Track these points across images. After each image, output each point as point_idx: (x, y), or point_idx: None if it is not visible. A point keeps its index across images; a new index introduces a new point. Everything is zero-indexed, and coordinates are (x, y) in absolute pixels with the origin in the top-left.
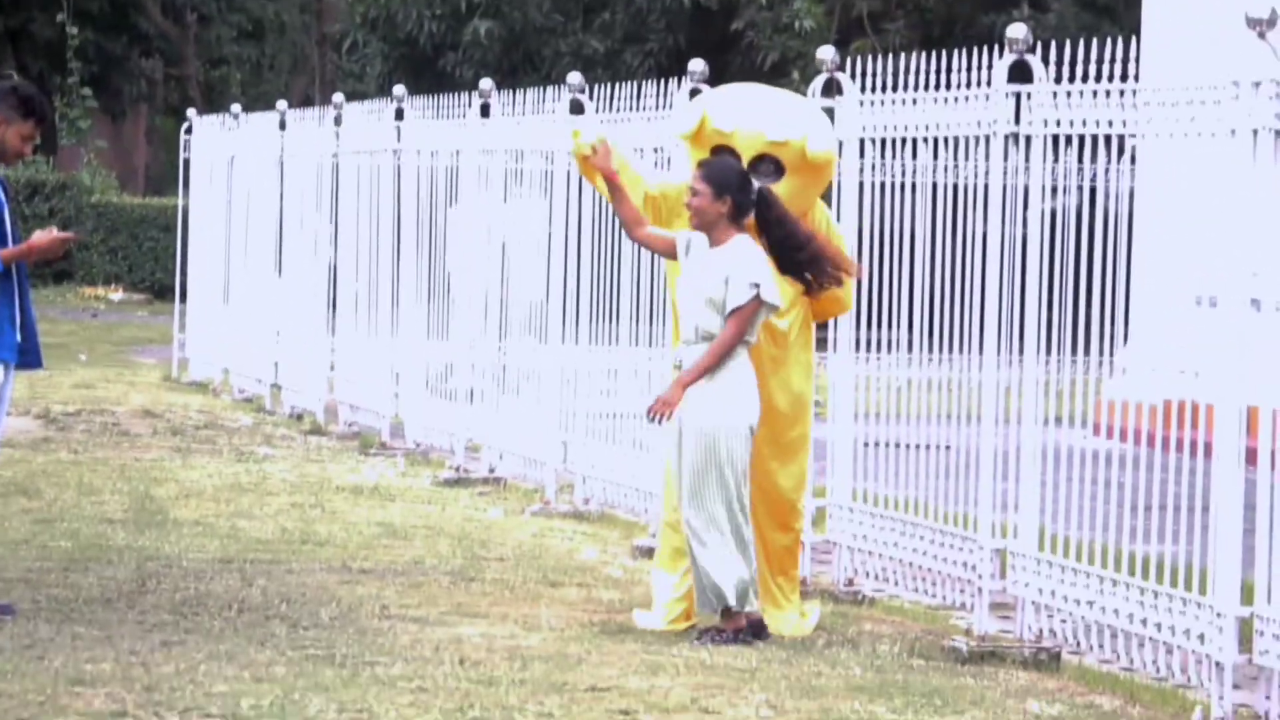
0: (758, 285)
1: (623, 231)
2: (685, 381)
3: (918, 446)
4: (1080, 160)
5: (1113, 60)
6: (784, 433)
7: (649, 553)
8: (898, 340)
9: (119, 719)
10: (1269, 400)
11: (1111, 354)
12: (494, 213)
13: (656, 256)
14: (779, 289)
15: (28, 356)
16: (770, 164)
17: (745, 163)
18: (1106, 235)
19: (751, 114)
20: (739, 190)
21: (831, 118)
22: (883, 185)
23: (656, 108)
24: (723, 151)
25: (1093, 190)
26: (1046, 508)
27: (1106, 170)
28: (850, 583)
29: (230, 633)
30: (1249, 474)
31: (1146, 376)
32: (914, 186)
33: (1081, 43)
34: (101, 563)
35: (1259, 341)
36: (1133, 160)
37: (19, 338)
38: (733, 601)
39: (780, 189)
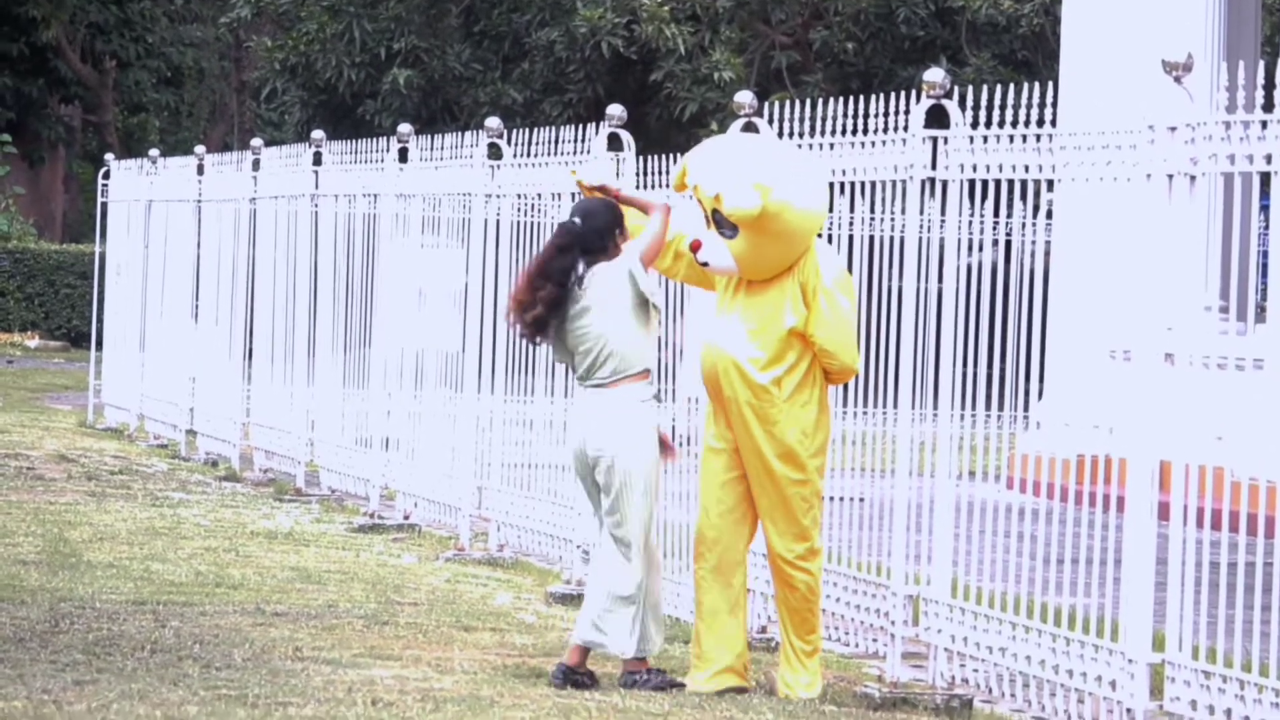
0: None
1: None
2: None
3: (831, 498)
4: (996, 212)
5: (1029, 106)
6: (776, 490)
7: (563, 599)
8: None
9: None
10: (1181, 454)
11: (1026, 409)
12: (411, 260)
13: None
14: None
15: None
16: (727, 220)
17: (709, 219)
18: (1022, 289)
19: (703, 170)
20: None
21: None
22: None
23: (574, 153)
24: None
25: (1008, 243)
26: (960, 559)
27: (1022, 223)
28: (763, 630)
29: (143, 673)
30: (1161, 528)
31: (1060, 431)
32: (831, 238)
33: (999, 89)
34: (14, 603)
35: (1172, 396)
36: (1048, 215)
37: None
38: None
39: (736, 247)
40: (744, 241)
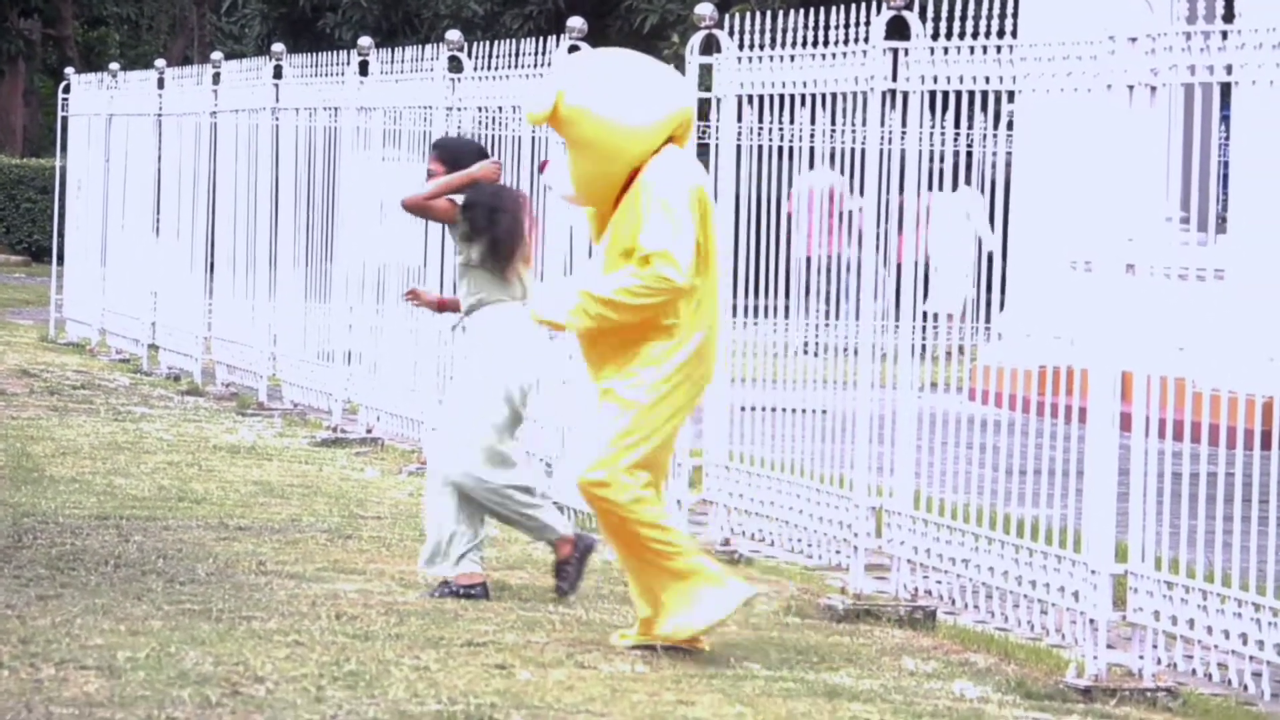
0: None
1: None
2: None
3: (794, 410)
4: (957, 124)
5: (990, 17)
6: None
7: None
8: (774, 306)
9: None
10: (1143, 365)
11: (988, 320)
12: (372, 173)
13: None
14: None
15: None
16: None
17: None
18: (983, 200)
19: None
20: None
21: (710, 75)
22: (760, 149)
23: (535, 65)
24: None
25: (969, 155)
26: (922, 471)
27: (983, 134)
28: (727, 542)
29: (107, 587)
30: (1122, 439)
31: (1022, 342)
32: (791, 151)
33: (959, 1)
34: None
35: (1133, 307)
36: (1009, 126)
37: None
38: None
39: (569, 167)
40: (569, 157)
